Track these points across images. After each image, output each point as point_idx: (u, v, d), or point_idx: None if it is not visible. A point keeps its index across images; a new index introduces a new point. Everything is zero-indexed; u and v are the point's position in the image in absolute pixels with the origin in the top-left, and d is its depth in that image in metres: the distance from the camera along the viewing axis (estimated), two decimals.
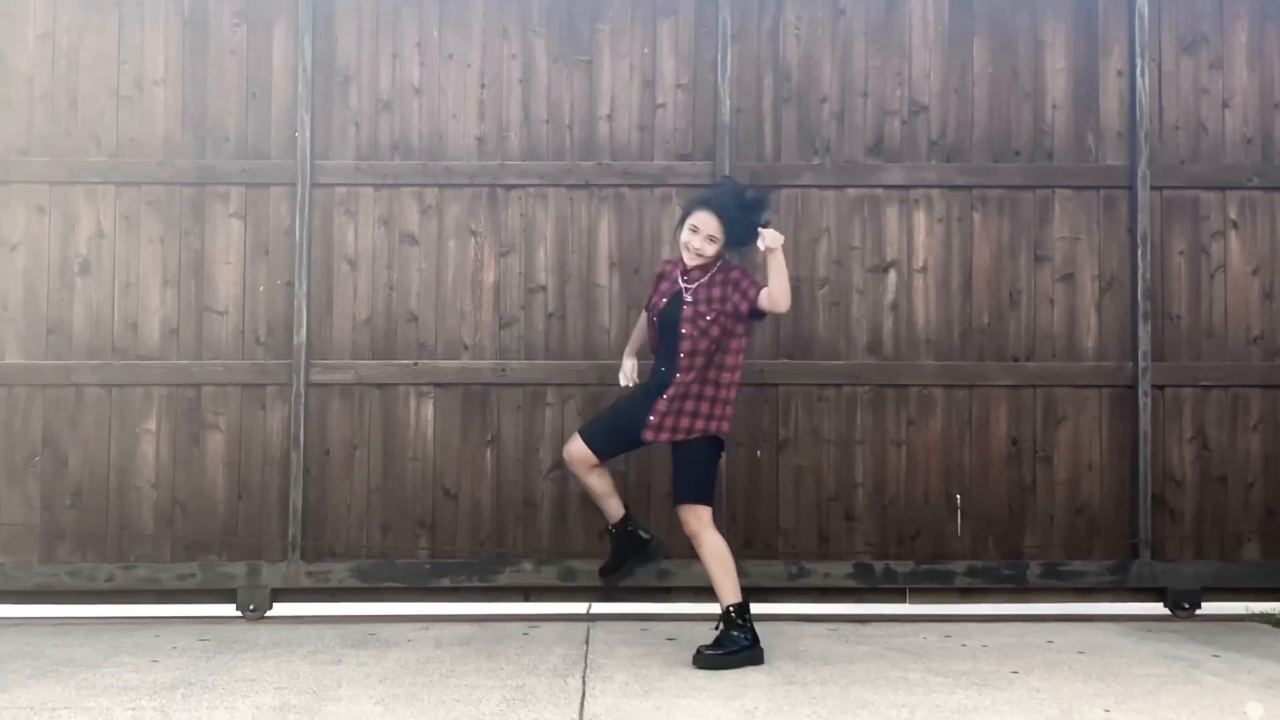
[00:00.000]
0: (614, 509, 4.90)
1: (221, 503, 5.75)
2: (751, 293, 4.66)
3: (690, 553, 5.49)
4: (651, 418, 4.72)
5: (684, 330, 4.68)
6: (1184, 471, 5.85)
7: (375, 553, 5.75)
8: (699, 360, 4.68)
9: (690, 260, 4.74)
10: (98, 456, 5.74)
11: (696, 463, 4.73)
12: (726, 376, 4.74)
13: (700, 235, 4.70)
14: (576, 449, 4.80)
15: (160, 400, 5.76)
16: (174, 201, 5.82)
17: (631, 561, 4.96)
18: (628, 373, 5.07)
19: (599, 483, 4.84)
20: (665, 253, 5.76)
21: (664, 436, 4.74)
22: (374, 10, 5.89)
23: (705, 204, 4.74)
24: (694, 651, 4.67)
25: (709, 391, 4.72)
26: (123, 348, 5.78)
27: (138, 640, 5.11)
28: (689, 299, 4.71)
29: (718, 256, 4.76)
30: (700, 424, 4.72)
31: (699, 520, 4.72)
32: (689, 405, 4.71)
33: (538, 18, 5.91)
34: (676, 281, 4.81)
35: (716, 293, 4.70)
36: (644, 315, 5.02)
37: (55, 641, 5.09)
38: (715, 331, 4.68)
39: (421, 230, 5.85)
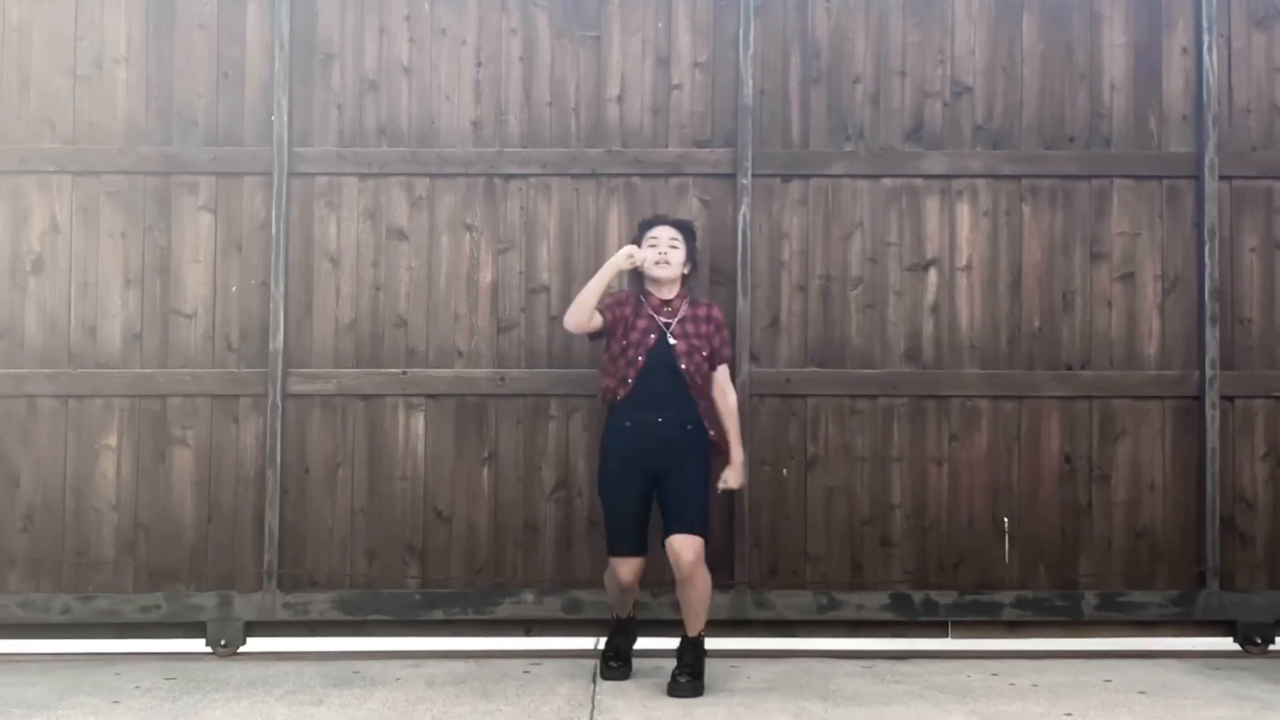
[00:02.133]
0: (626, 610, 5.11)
1: (190, 526, 5.56)
2: (727, 352, 5.04)
3: (722, 582, 5.44)
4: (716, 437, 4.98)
5: (683, 366, 4.82)
6: (1256, 492, 5.63)
7: (360, 582, 5.55)
8: (703, 399, 4.90)
9: (661, 273, 4.86)
10: (52, 475, 5.54)
11: (702, 484, 4.85)
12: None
13: (663, 241, 4.88)
14: (631, 567, 4.85)
15: (122, 413, 5.57)
16: (137, 192, 5.63)
17: (627, 644, 5.14)
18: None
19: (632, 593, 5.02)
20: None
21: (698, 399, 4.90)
22: None
23: (653, 223, 4.99)
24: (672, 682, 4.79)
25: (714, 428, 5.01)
26: (80, 355, 5.57)
27: (97, 679, 5.00)
28: (678, 335, 4.86)
29: (685, 278, 4.97)
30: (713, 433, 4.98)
31: (700, 553, 4.78)
32: (704, 401, 4.93)
33: None
34: (649, 317, 4.90)
35: (704, 329, 4.90)
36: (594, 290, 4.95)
37: (4, 680, 4.99)
38: (706, 368, 4.91)
39: (411, 224, 5.66)
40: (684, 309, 4.87)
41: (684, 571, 4.68)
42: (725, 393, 4.92)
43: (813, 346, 5.63)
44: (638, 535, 4.82)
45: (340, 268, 5.62)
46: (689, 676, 4.71)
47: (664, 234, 4.86)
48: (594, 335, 4.93)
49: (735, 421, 4.95)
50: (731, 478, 4.93)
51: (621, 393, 4.82)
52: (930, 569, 5.59)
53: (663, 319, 4.83)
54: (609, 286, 4.86)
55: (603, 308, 4.86)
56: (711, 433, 4.87)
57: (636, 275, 4.89)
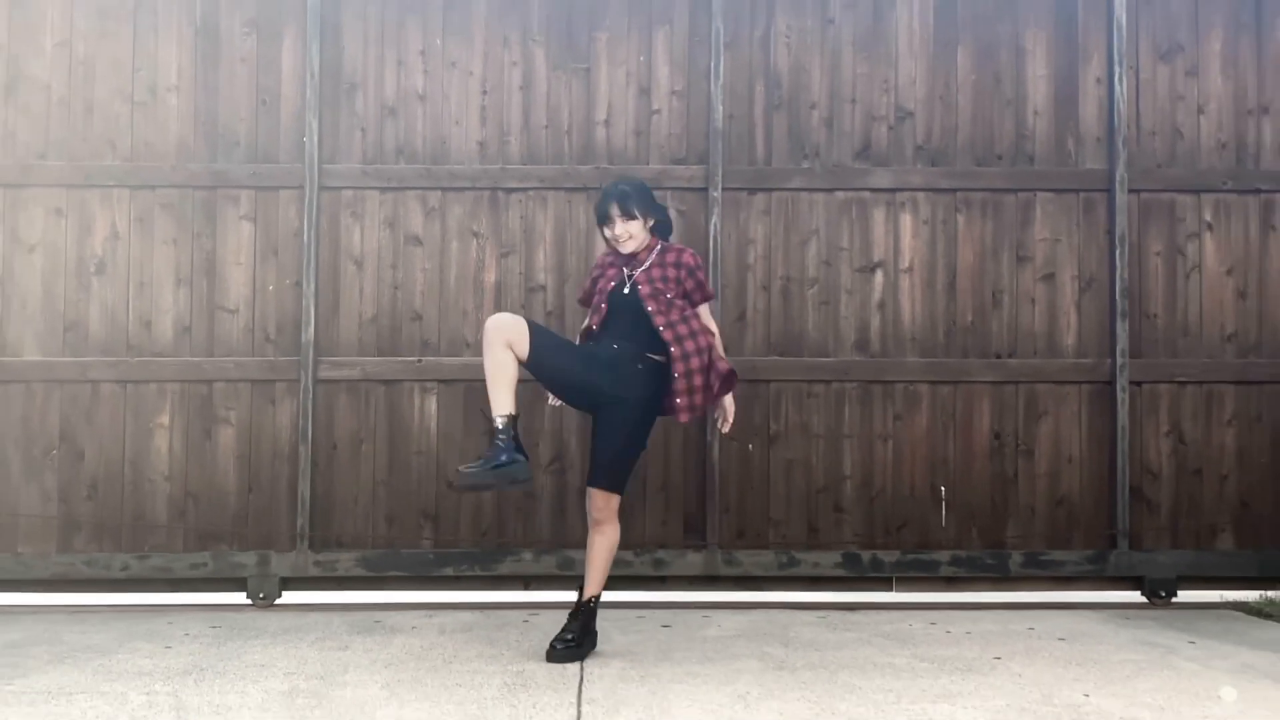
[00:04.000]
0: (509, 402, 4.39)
1: (232, 494, 5.86)
2: (707, 290, 4.74)
3: (685, 543, 5.75)
4: (679, 401, 4.48)
5: (650, 308, 4.52)
6: (1161, 465, 5.96)
7: (381, 543, 5.85)
8: (680, 328, 4.53)
9: (627, 248, 4.65)
10: (113, 450, 5.86)
11: (628, 440, 4.57)
12: (705, 340, 4.62)
13: (615, 225, 4.64)
14: (514, 325, 4.39)
15: (173, 396, 5.88)
16: (186, 204, 5.93)
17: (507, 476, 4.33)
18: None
19: (506, 360, 4.37)
20: (615, 212, 5.42)
21: (696, 414, 4.61)
22: (379, 19, 6.01)
23: (603, 205, 4.68)
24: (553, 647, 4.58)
25: (703, 355, 4.56)
26: (137, 345, 5.90)
27: (151, 627, 5.19)
28: (642, 280, 4.59)
29: (649, 238, 4.72)
30: (715, 387, 4.58)
31: (609, 505, 4.60)
32: (698, 380, 4.52)
33: (538, 27, 6.03)
34: (621, 270, 4.67)
35: (670, 273, 4.62)
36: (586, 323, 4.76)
37: (72, 628, 5.16)
38: (680, 303, 4.61)
39: (425, 232, 5.97)
40: (652, 257, 4.67)
41: (593, 517, 4.56)
42: (707, 322, 4.71)
43: (775, 338, 5.92)
44: (586, 385, 4.51)
45: (363, 269, 5.92)
46: (563, 644, 4.50)
47: (614, 212, 4.62)
48: None
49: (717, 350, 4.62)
50: (728, 413, 4.72)
51: (594, 324, 4.65)
52: (877, 531, 5.88)
53: (628, 270, 4.65)
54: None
55: (583, 293, 4.86)
56: (684, 364, 4.47)
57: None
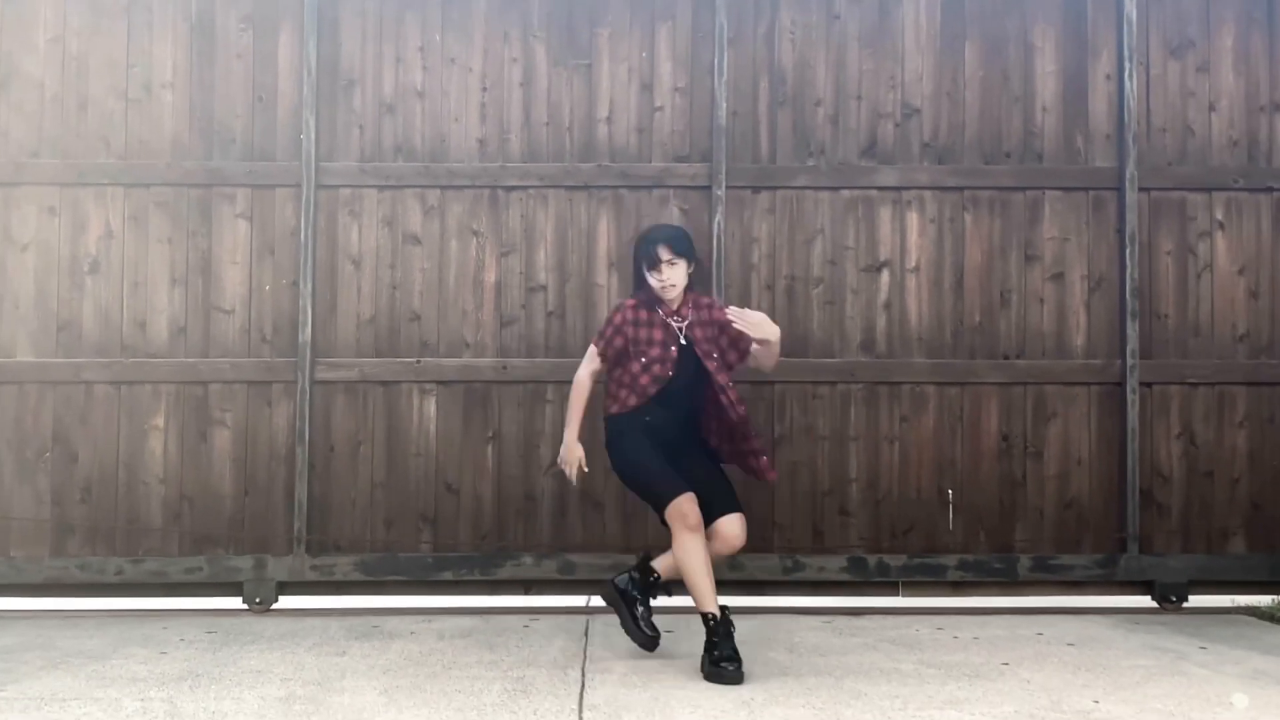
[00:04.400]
0: (714, 591, 4.39)
1: (228, 498, 5.82)
2: (744, 343, 4.60)
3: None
4: (765, 460, 4.68)
5: (712, 366, 4.52)
6: (1171, 467, 5.92)
7: (379, 546, 5.82)
8: (733, 393, 4.55)
9: (669, 295, 4.57)
10: (107, 452, 5.81)
11: (723, 470, 4.75)
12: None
13: (663, 269, 4.53)
14: (690, 500, 4.36)
15: (168, 397, 5.83)
16: (182, 202, 5.89)
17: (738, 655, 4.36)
18: (578, 458, 4.65)
19: (705, 547, 4.39)
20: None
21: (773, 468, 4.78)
22: (377, 15, 5.97)
23: (649, 247, 4.56)
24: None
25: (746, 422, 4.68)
26: (131, 346, 5.85)
27: (146, 632, 5.17)
28: (694, 338, 4.58)
29: (687, 294, 4.66)
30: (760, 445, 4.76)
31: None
32: (754, 440, 4.67)
33: (538, 22, 5.99)
34: (666, 325, 4.58)
35: (712, 332, 4.61)
36: (586, 376, 4.69)
37: (66, 633, 5.14)
38: (730, 357, 4.66)
39: (424, 231, 5.93)
40: (691, 314, 4.61)
41: (734, 548, 4.55)
42: (761, 347, 4.56)
43: (780, 339, 5.90)
44: (682, 477, 4.43)
45: (361, 269, 5.88)
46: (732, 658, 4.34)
47: (663, 254, 4.51)
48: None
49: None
50: (754, 328, 4.44)
51: (635, 401, 4.54)
52: (883, 535, 5.85)
53: (676, 324, 4.59)
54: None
55: (603, 344, 4.65)
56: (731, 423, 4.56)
57: (647, 285, 4.59)
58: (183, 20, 5.95)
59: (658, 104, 5.99)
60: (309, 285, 5.84)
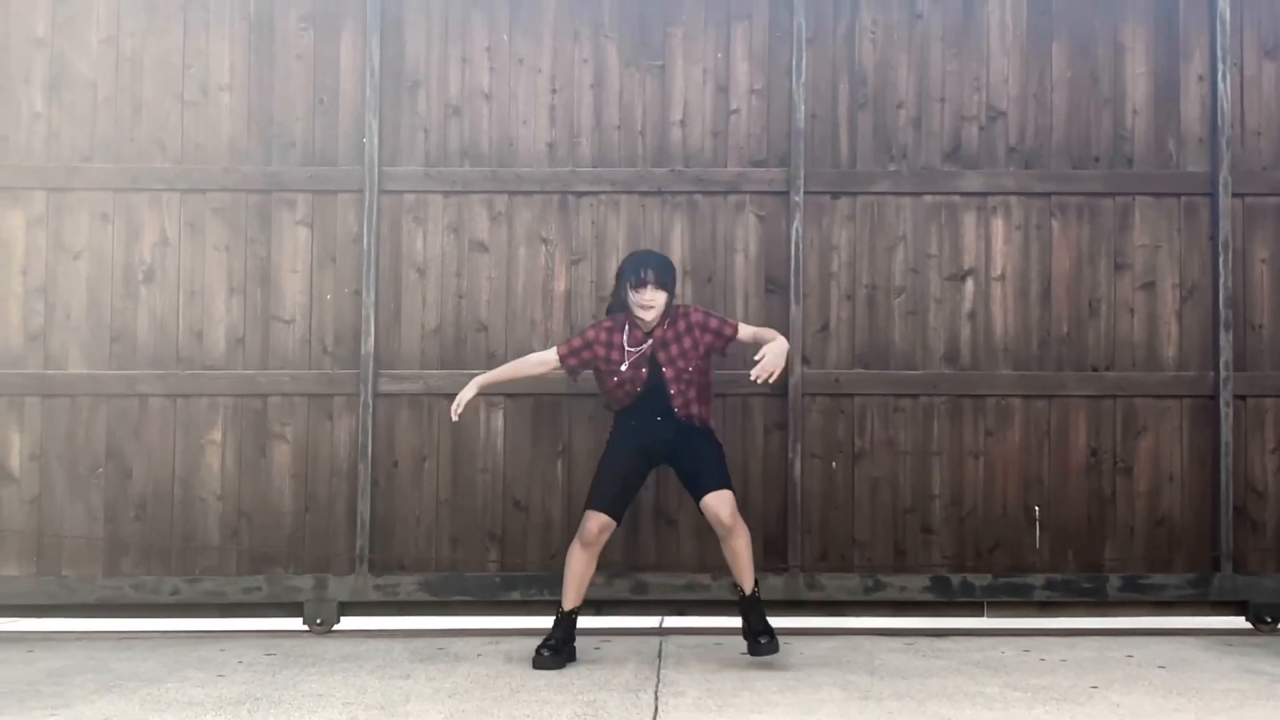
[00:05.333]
0: (579, 597, 5.00)
1: (288, 515, 5.74)
2: (728, 330, 4.97)
3: (766, 566, 5.59)
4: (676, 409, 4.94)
5: (672, 391, 4.90)
6: (1266, 483, 5.80)
7: (444, 565, 5.74)
8: (694, 407, 4.96)
9: (647, 316, 4.88)
10: (162, 468, 5.73)
11: (718, 453, 5.01)
12: (710, 391, 5.09)
13: (647, 291, 4.87)
14: (600, 522, 4.89)
15: (226, 411, 5.75)
16: (240, 208, 5.81)
17: (565, 654, 4.95)
18: (464, 402, 5.09)
19: (591, 564, 4.97)
20: (739, 261, 5.81)
21: (695, 410, 4.97)
22: (443, 14, 5.87)
23: (639, 269, 4.90)
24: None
25: (706, 401, 5.04)
26: (188, 357, 5.77)
27: (203, 654, 5.12)
28: (661, 357, 4.92)
29: (667, 306, 4.93)
30: (710, 419, 5.07)
31: (735, 507, 4.90)
32: (696, 409, 4.97)
33: (609, 21, 5.89)
34: (635, 343, 4.95)
35: (687, 343, 4.92)
36: (536, 361, 5.15)
37: (119, 656, 5.10)
38: (699, 377, 4.94)
39: (491, 238, 5.84)
40: (666, 330, 4.91)
41: (725, 525, 4.82)
42: (753, 333, 4.96)
43: (860, 350, 5.78)
44: (620, 499, 4.93)
45: (426, 277, 5.79)
46: (768, 636, 4.80)
47: (650, 278, 4.84)
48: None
49: (769, 331, 4.96)
50: (768, 362, 4.71)
51: (616, 407, 5.04)
52: (967, 554, 5.74)
53: (648, 348, 4.91)
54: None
55: (571, 361, 5.01)
56: (711, 423, 5.02)
57: (622, 304, 4.94)
58: (241, 20, 5.86)
59: (733, 106, 5.89)
60: (372, 294, 5.74)
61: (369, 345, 5.72)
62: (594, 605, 5.65)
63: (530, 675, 4.71)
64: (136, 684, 4.56)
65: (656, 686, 4.54)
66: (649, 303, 4.85)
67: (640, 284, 4.85)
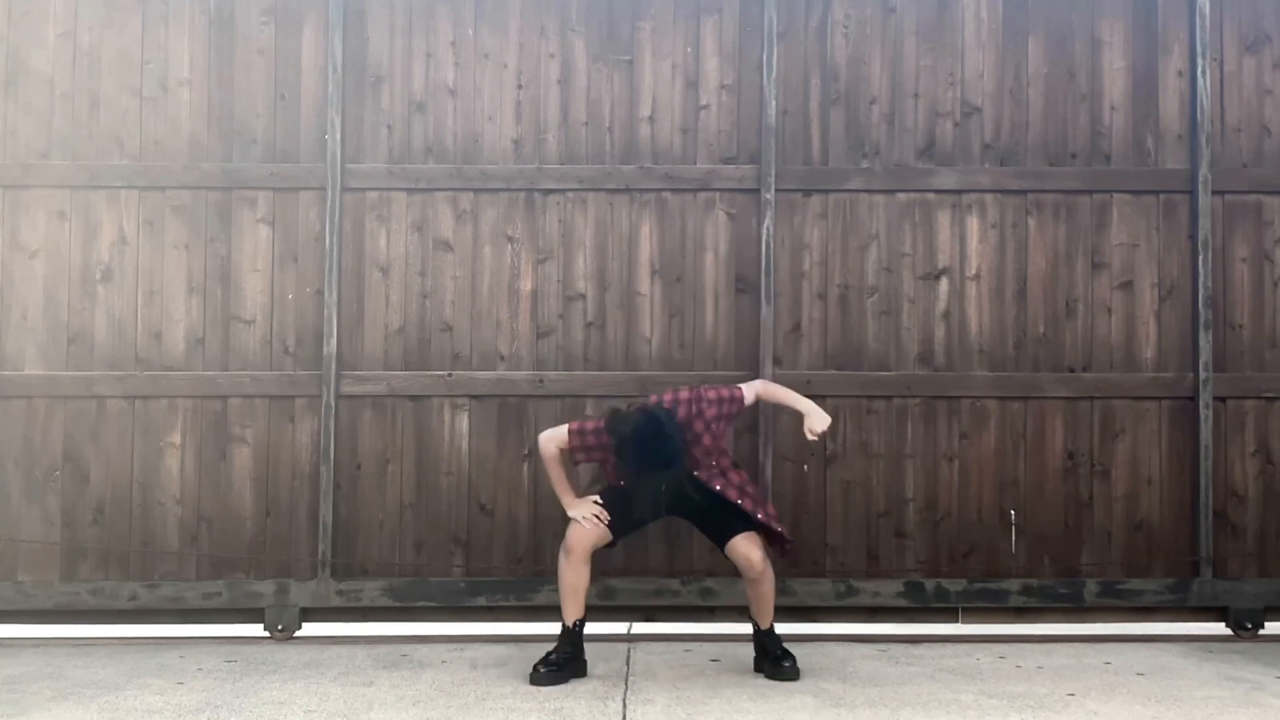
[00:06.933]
0: (579, 609, 4.78)
1: (249, 519, 5.67)
2: (735, 403, 4.78)
3: (735, 570, 5.42)
4: (747, 505, 4.73)
5: (704, 478, 4.75)
6: (1246, 486, 5.75)
7: (408, 571, 5.67)
8: (724, 479, 4.78)
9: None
10: (120, 471, 5.66)
11: (733, 500, 4.80)
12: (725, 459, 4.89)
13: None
14: (594, 535, 4.72)
15: (185, 413, 5.68)
16: (199, 206, 5.75)
17: (570, 670, 4.75)
18: (595, 507, 4.81)
19: (581, 573, 4.74)
20: (709, 260, 5.75)
21: (770, 511, 4.85)
22: (407, 8, 5.80)
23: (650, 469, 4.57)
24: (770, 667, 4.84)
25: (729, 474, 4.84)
26: (146, 358, 5.70)
27: (162, 661, 5.08)
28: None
29: None
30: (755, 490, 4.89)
31: (764, 550, 4.77)
32: (741, 488, 4.79)
33: (577, 16, 5.81)
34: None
35: (706, 441, 4.72)
36: (554, 455, 4.85)
37: (76, 662, 5.07)
38: (715, 454, 4.78)
39: (456, 236, 5.77)
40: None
41: (756, 570, 4.70)
42: (764, 391, 4.87)
43: (832, 351, 5.72)
44: (622, 521, 4.76)
45: (390, 277, 5.72)
46: (790, 660, 4.76)
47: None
48: None
49: (782, 390, 4.90)
50: (816, 422, 4.71)
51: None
52: (942, 558, 5.69)
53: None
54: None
55: (576, 450, 4.81)
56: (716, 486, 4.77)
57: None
58: (201, 13, 5.79)
59: (703, 102, 5.83)
60: (334, 294, 5.68)
61: (331, 346, 5.65)
62: (560, 612, 5.48)
63: (495, 682, 4.68)
64: (94, 691, 4.53)
65: (625, 694, 4.52)
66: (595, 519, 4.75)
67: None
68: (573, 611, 4.74)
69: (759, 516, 4.71)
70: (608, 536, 4.75)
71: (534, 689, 4.56)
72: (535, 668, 4.68)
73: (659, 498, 4.65)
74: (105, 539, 5.62)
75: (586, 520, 4.74)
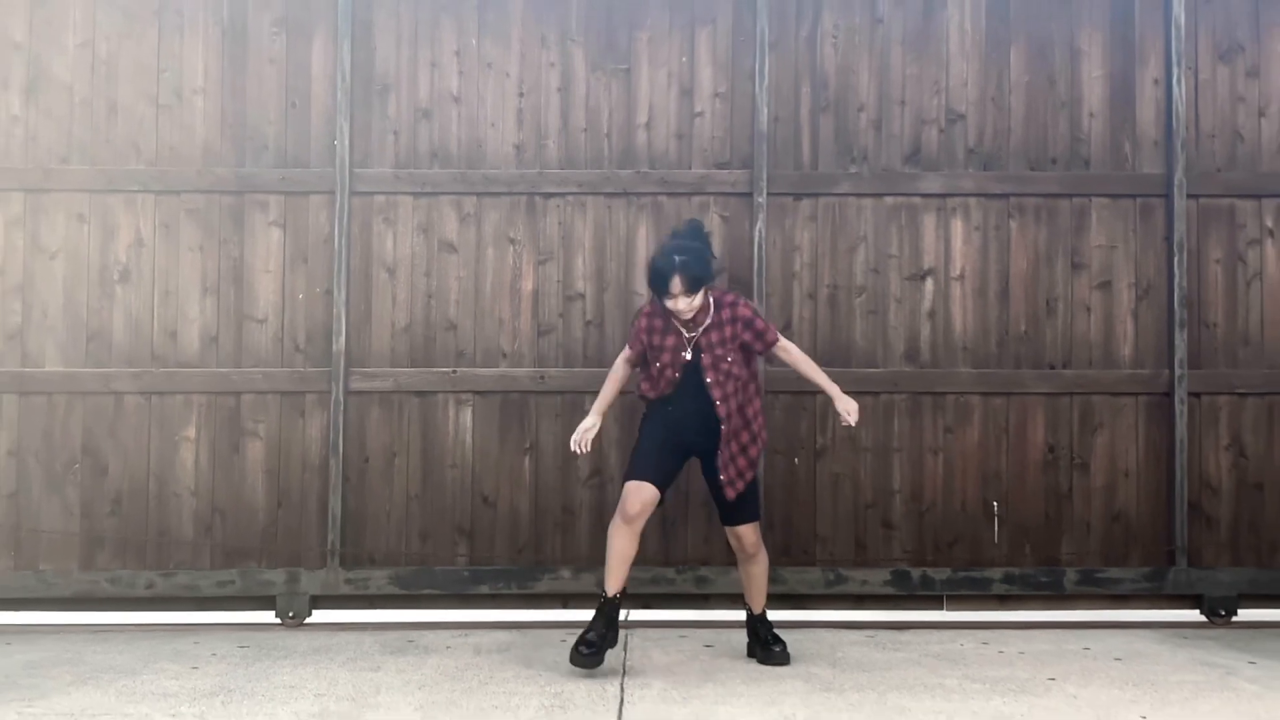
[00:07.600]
0: (622, 580, 4.65)
1: (261, 510, 5.77)
2: (770, 335, 4.79)
3: (728, 559, 5.57)
4: (723, 477, 4.71)
5: (709, 379, 4.67)
6: (1220, 479, 5.86)
7: (414, 560, 5.77)
8: (732, 403, 4.70)
9: (685, 317, 4.65)
10: (137, 464, 5.76)
11: (754, 484, 4.85)
12: (757, 403, 4.82)
13: (678, 300, 4.59)
14: (644, 495, 4.60)
15: (200, 408, 5.78)
16: (213, 210, 5.84)
17: (606, 645, 4.62)
18: (588, 431, 4.81)
19: (633, 543, 4.62)
20: (678, 288, 5.70)
21: (741, 486, 4.76)
22: (413, 19, 5.91)
23: (662, 279, 4.58)
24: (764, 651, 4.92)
25: (751, 426, 4.78)
26: (162, 355, 5.80)
27: (177, 647, 5.15)
28: (704, 347, 4.69)
29: (705, 299, 4.68)
30: (756, 454, 4.82)
31: (759, 535, 4.86)
32: (743, 448, 4.75)
33: (576, 26, 5.92)
34: (678, 332, 4.70)
35: (728, 332, 4.69)
36: (621, 363, 4.91)
37: (95, 648, 5.12)
38: (737, 370, 4.71)
39: (460, 238, 5.87)
40: (709, 318, 4.68)
41: (748, 552, 4.82)
42: (791, 355, 4.83)
43: (821, 348, 5.78)
44: (663, 471, 4.67)
45: (396, 277, 5.83)
46: (781, 645, 4.85)
47: (676, 288, 4.54)
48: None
49: (813, 367, 4.87)
50: (849, 411, 4.75)
51: (655, 394, 4.76)
52: (927, 548, 5.79)
53: (688, 334, 4.68)
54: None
55: (632, 344, 4.83)
56: (745, 434, 4.76)
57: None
58: (214, 24, 5.89)
59: (698, 109, 5.93)
60: (343, 294, 5.78)
61: (340, 344, 5.75)
62: (560, 599, 5.77)
63: (498, 667, 4.72)
64: (112, 676, 4.59)
65: (622, 678, 4.57)
66: (682, 310, 4.61)
67: (667, 296, 4.60)
68: (617, 581, 4.59)
69: (729, 493, 4.71)
70: (656, 496, 4.62)
71: (534, 674, 4.60)
72: (576, 649, 4.55)
73: (694, 429, 4.67)
74: (123, 529, 5.71)
75: (580, 439, 4.75)
